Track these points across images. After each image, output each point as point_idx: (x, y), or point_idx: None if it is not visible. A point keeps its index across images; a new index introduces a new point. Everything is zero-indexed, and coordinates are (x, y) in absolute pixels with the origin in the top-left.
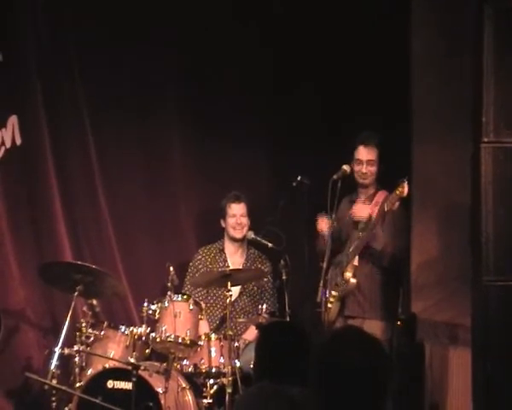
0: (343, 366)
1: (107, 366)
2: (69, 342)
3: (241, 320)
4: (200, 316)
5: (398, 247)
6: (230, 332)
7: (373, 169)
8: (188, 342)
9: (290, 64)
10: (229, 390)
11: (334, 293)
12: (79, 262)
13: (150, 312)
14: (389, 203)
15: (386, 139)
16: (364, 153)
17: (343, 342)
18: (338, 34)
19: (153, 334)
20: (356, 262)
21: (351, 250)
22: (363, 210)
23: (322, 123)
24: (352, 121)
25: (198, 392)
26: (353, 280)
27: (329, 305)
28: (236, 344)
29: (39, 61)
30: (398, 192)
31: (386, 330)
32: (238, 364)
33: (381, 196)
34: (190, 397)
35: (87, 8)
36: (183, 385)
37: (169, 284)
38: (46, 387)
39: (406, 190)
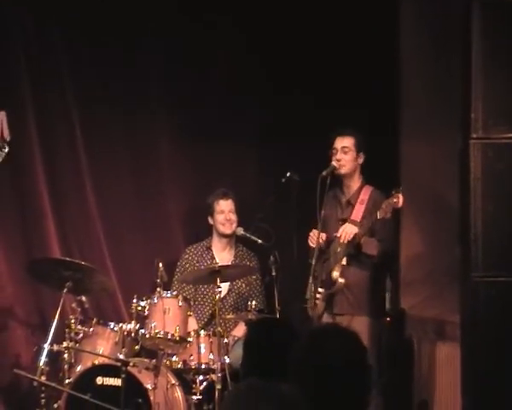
0: (325, 363)
1: (96, 362)
2: (58, 339)
3: (229, 317)
4: (188, 312)
5: (388, 245)
6: (220, 329)
7: (348, 157)
8: (177, 338)
9: (279, 63)
10: (218, 387)
11: (320, 290)
12: (68, 259)
13: (139, 308)
14: (382, 212)
15: (375, 135)
16: (339, 141)
17: (323, 339)
18: (326, 32)
19: (142, 330)
20: (344, 262)
21: (338, 250)
22: (349, 232)
23: (312, 120)
24: (342, 118)
25: (187, 388)
26: (341, 280)
27: (317, 301)
28: (226, 341)
29: (28, 59)
30: (392, 202)
31: (374, 327)
32: (227, 360)
33: (366, 192)
34: (180, 393)
35: (75, 8)
36: (173, 382)
37: (158, 281)
38: (35, 384)
39: (401, 201)
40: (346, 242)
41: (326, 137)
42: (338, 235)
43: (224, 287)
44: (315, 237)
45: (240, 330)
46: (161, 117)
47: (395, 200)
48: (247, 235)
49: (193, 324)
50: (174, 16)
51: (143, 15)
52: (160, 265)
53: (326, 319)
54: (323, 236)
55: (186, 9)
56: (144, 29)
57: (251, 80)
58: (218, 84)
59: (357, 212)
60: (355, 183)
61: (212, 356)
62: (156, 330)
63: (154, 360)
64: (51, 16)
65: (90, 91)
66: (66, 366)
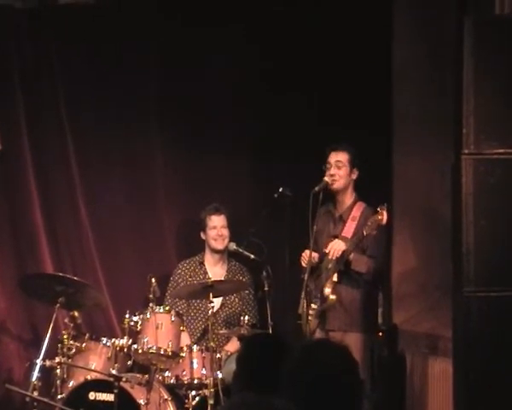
0: (316, 376)
1: (88, 377)
2: (51, 354)
3: (222, 332)
4: (181, 327)
5: (379, 262)
6: (212, 344)
7: (341, 172)
8: (170, 353)
9: (274, 77)
10: (210, 402)
11: (313, 306)
12: (61, 274)
13: (132, 323)
14: (368, 228)
15: (368, 149)
16: (333, 156)
17: (315, 353)
18: (322, 51)
19: (135, 345)
20: (335, 278)
21: (330, 266)
22: (338, 248)
23: (305, 134)
24: (335, 132)
25: (180, 404)
26: (332, 297)
27: (310, 318)
28: (218, 356)
29: (22, 73)
30: (377, 219)
31: (366, 342)
32: (220, 375)
33: (358, 208)
34: (172, 409)
35: (70, 24)
36: (165, 397)
37: (151, 296)
38: (27, 399)
39: (385, 217)
40: (334, 258)
41: (320, 153)
42: (327, 251)
43: (217, 302)
44: (307, 257)
45: (232, 346)
46: (155, 132)
47: (379, 217)
48: (240, 250)
49: (185, 339)
50: (173, 29)
51: (139, 29)
52: (153, 280)
53: (319, 334)
54: (316, 255)
55: (187, 23)
56: (141, 44)
57: (246, 95)
58: (214, 98)
59: (349, 228)
60: (348, 198)
61: (204, 371)
62: (149, 346)
63: (146, 376)
64: (46, 31)
65: (83, 105)
66: (58, 382)
